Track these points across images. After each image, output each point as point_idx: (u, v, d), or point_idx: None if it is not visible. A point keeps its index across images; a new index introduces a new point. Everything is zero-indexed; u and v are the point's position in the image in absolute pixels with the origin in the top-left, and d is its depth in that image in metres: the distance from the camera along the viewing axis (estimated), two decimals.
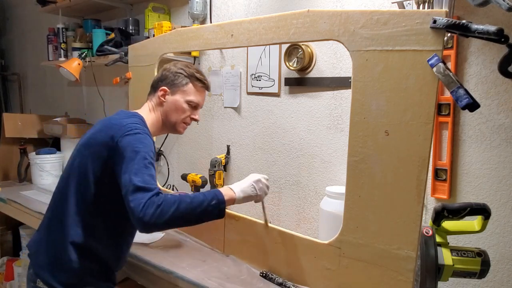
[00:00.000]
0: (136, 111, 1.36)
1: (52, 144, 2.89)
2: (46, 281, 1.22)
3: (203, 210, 1.12)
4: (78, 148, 1.28)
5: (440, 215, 1.10)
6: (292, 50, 1.69)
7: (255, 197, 1.27)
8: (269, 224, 1.41)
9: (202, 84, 1.41)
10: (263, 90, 1.87)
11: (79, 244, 1.22)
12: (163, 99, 1.37)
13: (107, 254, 1.29)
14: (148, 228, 1.06)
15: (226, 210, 1.51)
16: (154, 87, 1.41)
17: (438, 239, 1.12)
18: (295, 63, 1.69)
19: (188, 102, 1.38)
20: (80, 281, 1.25)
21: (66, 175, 1.28)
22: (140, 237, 1.66)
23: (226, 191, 1.20)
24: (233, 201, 1.21)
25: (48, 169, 2.61)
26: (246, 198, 1.25)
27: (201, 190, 1.97)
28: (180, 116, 1.38)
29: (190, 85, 1.38)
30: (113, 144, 1.16)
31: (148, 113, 1.37)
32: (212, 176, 1.92)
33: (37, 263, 1.26)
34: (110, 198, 1.21)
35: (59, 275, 1.22)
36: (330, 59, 1.65)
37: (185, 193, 1.24)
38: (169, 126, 1.40)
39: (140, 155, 1.11)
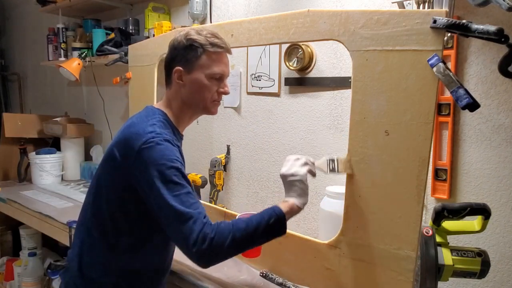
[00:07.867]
0: (159, 104, 1.21)
1: (52, 144, 2.89)
2: None
3: (262, 232, 1.01)
4: (103, 157, 1.16)
5: (440, 215, 1.10)
6: (292, 50, 1.69)
7: (305, 187, 1.09)
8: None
9: (219, 48, 1.14)
10: (263, 90, 1.87)
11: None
12: (180, 81, 1.15)
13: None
14: (205, 265, 0.98)
15: (225, 209, 1.53)
16: (167, 70, 1.18)
17: (438, 239, 1.12)
18: (295, 63, 1.69)
19: (210, 76, 1.14)
20: None
21: (90, 187, 1.19)
22: None
23: (283, 204, 1.06)
24: (297, 210, 1.07)
25: (48, 169, 2.61)
26: (305, 197, 1.08)
27: (201, 190, 1.97)
28: (206, 95, 1.16)
29: (205, 55, 1.13)
30: (131, 160, 1.04)
31: (169, 103, 1.19)
32: (212, 176, 1.92)
33: None
34: (131, 217, 1.11)
35: None
36: (330, 59, 1.64)
37: (246, 214, 1.15)
38: (198, 109, 1.20)
39: (167, 174, 1.00)
